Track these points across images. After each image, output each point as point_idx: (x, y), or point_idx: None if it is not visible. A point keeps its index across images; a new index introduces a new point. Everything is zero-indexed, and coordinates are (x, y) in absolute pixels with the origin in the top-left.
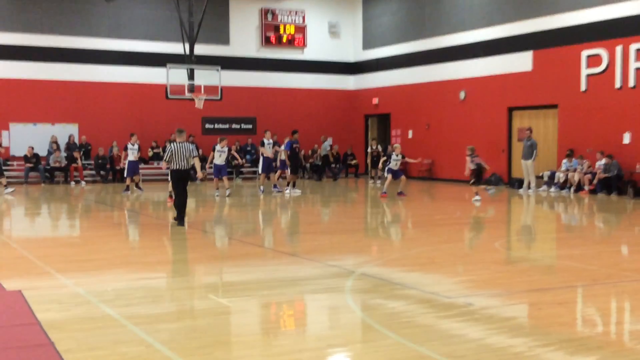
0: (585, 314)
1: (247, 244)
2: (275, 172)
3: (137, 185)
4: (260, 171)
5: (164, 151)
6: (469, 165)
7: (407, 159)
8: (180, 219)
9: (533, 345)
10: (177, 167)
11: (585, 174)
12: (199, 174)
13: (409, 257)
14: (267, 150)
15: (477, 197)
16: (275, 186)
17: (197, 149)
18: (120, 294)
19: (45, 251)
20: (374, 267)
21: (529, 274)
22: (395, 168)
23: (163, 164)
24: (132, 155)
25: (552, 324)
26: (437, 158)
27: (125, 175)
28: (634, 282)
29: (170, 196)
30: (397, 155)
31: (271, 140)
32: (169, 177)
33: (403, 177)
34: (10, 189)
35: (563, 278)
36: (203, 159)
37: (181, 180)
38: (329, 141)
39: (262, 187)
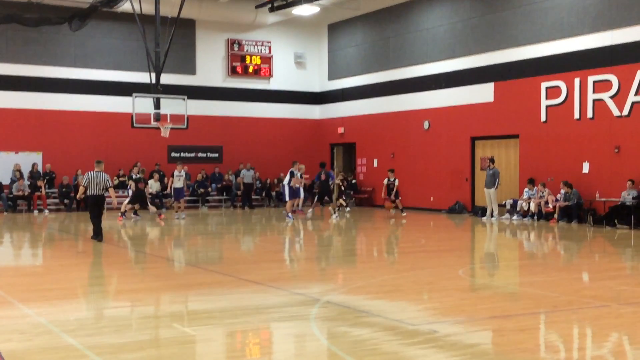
0: (547, 340)
1: (212, 272)
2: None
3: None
4: (287, 198)
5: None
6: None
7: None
8: (95, 234)
9: None
10: (92, 192)
11: (546, 202)
12: (113, 202)
13: (373, 284)
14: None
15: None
16: (289, 214)
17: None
18: (83, 323)
19: (7, 280)
20: (339, 295)
21: (492, 301)
22: (299, 186)
23: (81, 189)
24: (179, 182)
25: (515, 350)
26: (402, 187)
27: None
28: (593, 309)
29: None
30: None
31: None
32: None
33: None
34: None
35: (525, 305)
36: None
37: (94, 204)
38: (251, 172)
39: (290, 215)
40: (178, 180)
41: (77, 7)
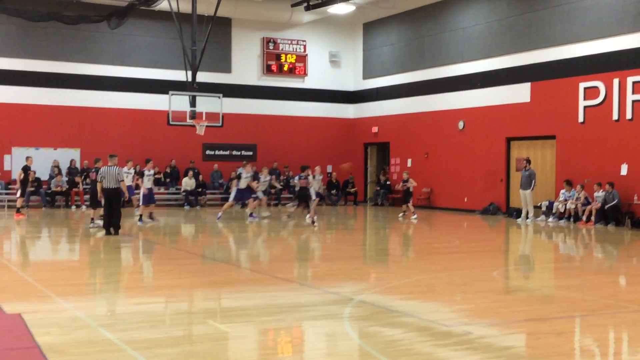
0: (583, 345)
1: (246, 270)
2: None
3: (150, 216)
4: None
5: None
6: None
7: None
8: (106, 228)
9: None
10: (106, 186)
11: (583, 205)
12: (126, 195)
13: (407, 284)
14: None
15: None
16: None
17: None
18: (120, 318)
19: (45, 275)
20: (373, 295)
21: (527, 304)
22: (243, 187)
23: (98, 185)
24: (149, 182)
25: (550, 353)
26: (436, 187)
27: (140, 203)
28: (631, 313)
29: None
30: (247, 174)
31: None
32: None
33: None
34: None
35: (561, 308)
36: (203, 185)
37: (109, 197)
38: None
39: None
40: (148, 180)
41: (116, 5)
